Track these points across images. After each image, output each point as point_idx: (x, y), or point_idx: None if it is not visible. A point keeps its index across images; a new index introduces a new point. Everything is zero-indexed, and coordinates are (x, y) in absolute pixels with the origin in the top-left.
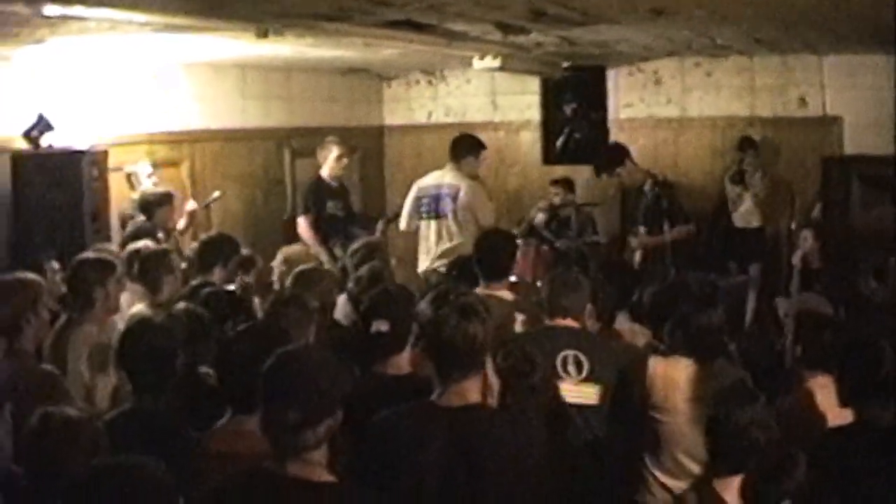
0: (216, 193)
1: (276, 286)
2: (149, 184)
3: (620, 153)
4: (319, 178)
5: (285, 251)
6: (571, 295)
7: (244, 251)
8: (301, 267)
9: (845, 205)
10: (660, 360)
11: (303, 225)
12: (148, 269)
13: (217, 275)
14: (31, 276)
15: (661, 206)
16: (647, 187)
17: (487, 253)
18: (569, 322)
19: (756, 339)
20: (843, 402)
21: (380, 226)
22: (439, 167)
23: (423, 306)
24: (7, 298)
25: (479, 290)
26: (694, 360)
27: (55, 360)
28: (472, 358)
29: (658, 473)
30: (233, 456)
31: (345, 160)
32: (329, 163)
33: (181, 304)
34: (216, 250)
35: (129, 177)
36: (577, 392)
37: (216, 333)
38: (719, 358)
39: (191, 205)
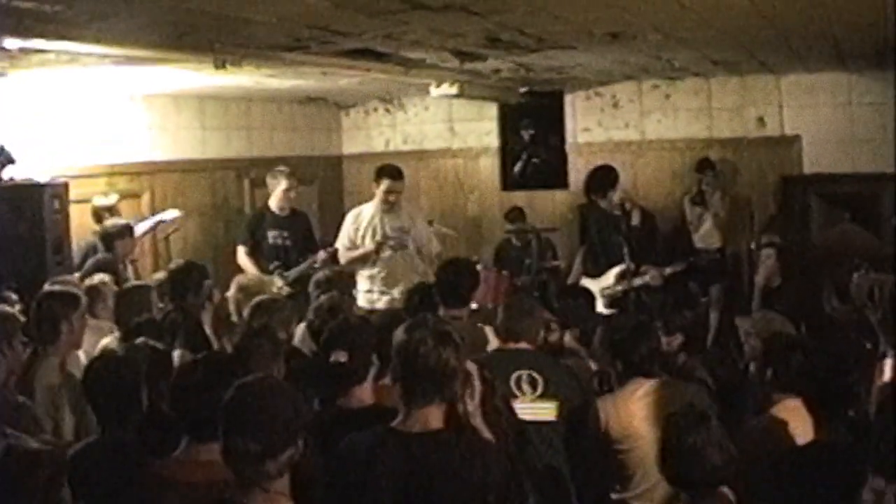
0: (176, 212)
1: (234, 316)
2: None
3: (612, 176)
4: (265, 207)
5: (240, 279)
6: (526, 320)
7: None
8: (258, 298)
9: (805, 223)
10: (608, 397)
11: (239, 254)
12: (126, 305)
13: (189, 301)
14: (9, 309)
15: (655, 240)
16: (635, 220)
17: (448, 280)
18: (521, 345)
19: (719, 360)
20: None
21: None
22: None
23: (398, 332)
24: None
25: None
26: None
27: (21, 394)
28: (441, 384)
29: (627, 498)
30: (188, 485)
31: (292, 193)
32: (276, 194)
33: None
34: (187, 278)
35: (95, 210)
36: (534, 409)
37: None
38: (674, 378)
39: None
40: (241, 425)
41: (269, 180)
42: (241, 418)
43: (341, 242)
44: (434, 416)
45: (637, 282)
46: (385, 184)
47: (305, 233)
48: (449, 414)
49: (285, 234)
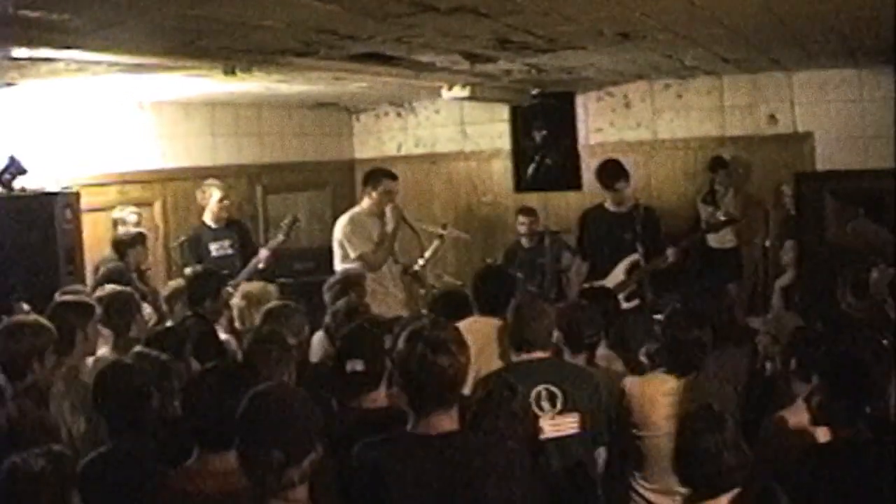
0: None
1: (238, 324)
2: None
3: (624, 169)
4: (200, 224)
5: (244, 288)
6: (533, 325)
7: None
8: (269, 304)
9: (819, 220)
10: (635, 379)
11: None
12: (117, 311)
13: (207, 307)
14: (46, 322)
15: (659, 230)
16: (637, 214)
17: (486, 288)
18: (537, 354)
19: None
20: (825, 417)
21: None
22: (409, 199)
23: (399, 342)
24: (21, 338)
25: (471, 319)
26: (674, 373)
27: (37, 404)
28: (443, 391)
29: (645, 491)
30: (199, 495)
31: (227, 201)
32: (211, 207)
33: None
34: (205, 284)
35: (114, 222)
36: (557, 424)
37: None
38: (699, 374)
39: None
40: (260, 435)
41: (199, 195)
42: (260, 428)
43: (362, 248)
44: (445, 421)
45: (642, 273)
46: (386, 184)
47: (245, 239)
48: (461, 415)
49: (226, 243)
